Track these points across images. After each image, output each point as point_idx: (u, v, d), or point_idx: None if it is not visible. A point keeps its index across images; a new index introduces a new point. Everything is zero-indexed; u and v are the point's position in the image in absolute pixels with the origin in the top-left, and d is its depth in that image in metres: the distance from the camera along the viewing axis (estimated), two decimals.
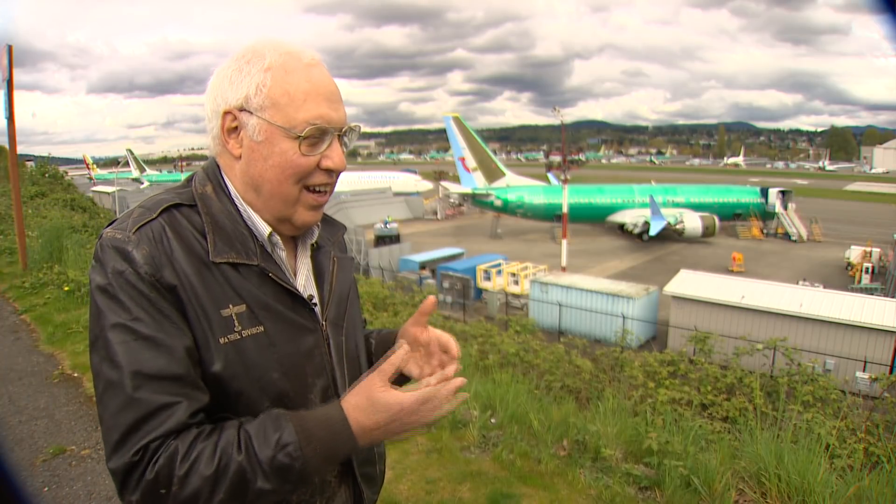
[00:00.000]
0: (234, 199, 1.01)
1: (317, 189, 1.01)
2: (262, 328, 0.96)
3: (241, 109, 0.96)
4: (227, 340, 0.93)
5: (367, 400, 0.91)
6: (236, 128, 0.97)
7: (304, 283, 1.08)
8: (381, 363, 0.94)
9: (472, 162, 35.96)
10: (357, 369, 1.13)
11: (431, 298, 1.17)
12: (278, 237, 1.02)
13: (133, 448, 0.84)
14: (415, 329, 1.15)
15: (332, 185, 1.03)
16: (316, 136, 0.96)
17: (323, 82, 0.98)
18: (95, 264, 0.92)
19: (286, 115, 0.94)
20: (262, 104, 0.94)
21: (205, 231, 0.96)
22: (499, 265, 20.60)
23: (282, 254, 1.04)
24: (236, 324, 0.94)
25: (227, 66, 0.98)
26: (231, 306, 0.94)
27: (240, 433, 0.88)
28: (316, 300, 1.07)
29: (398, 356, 0.95)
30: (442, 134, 53.71)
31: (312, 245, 1.13)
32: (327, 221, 1.22)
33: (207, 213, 0.98)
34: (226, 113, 0.97)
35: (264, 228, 1.00)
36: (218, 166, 1.04)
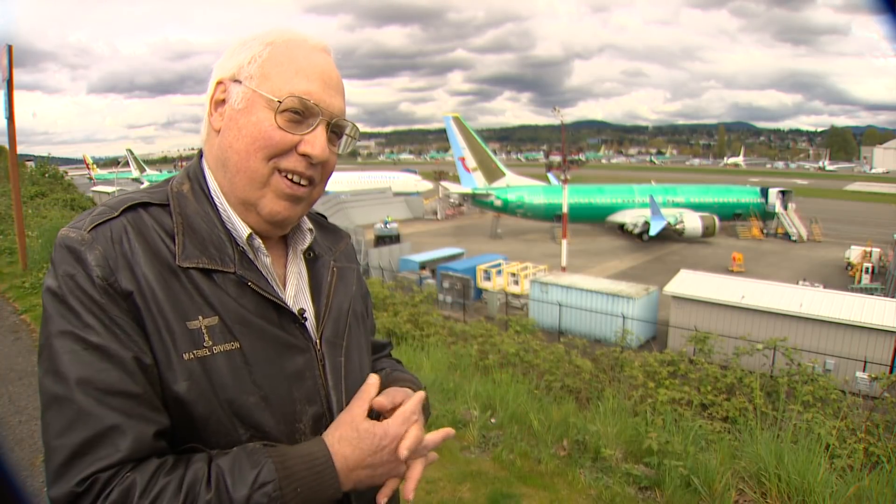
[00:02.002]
0: (214, 197, 0.92)
1: (290, 176, 0.89)
2: (237, 344, 0.85)
3: (233, 80, 0.89)
4: (192, 356, 0.82)
5: (353, 430, 0.87)
6: (224, 100, 0.90)
7: (295, 294, 0.97)
8: (358, 394, 0.93)
9: (472, 162, 35.94)
10: None
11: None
12: (260, 241, 0.91)
13: (78, 476, 0.73)
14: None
15: (312, 178, 0.91)
16: (298, 112, 0.87)
17: (322, 66, 0.90)
18: (50, 266, 0.83)
19: (273, 84, 0.86)
20: (252, 73, 0.87)
21: (174, 233, 0.86)
22: (499, 265, 20.58)
23: (266, 260, 0.92)
24: (206, 338, 0.83)
25: (234, 42, 0.93)
26: (201, 318, 0.83)
27: (210, 468, 0.78)
28: (309, 314, 0.96)
29: (372, 384, 0.94)
30: (442, 134, 53.70)
31: (308, 254, 1.02)
32: (327, 229, 1.12)
33: (180, 213, 0.88)
34: (218, 83, 0.91)
35: (243, 230, 0.90)
36: (201, 165, 0.95)
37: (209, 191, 0.92)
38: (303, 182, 0.90)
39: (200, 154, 0.97)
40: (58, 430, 0.75)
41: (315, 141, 0.88)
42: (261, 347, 0.87)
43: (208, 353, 0.83)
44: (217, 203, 0.91)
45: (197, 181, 0.93)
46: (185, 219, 0.88)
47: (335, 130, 0.93)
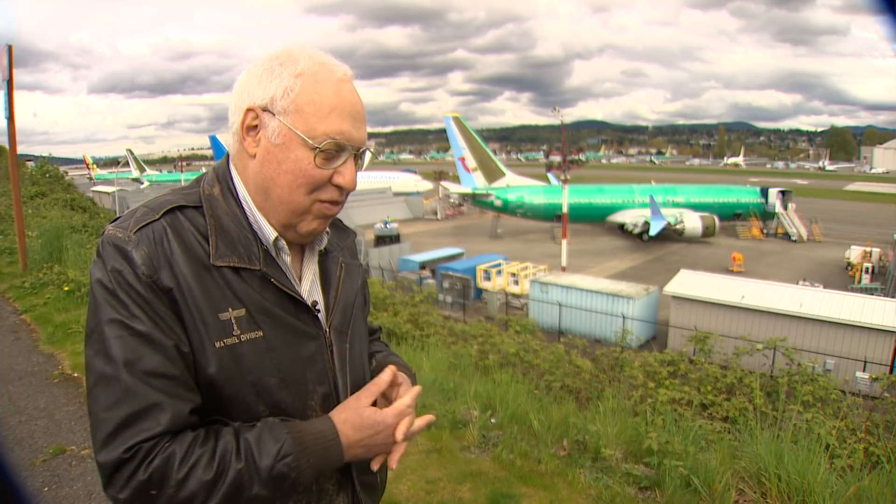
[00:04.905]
0: (242, 201, 1.00)
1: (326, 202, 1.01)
2: (261, 333, 0.96)
3: (265, 109, 0.95)
4: (222, 344, 0.93)
5: (357, 415, 1.01)
6: (256, 126, 0.97)
7: (309, 288, 1.08)
8: (369, 385, 1.06)
9: (472, 162, 35.93)
10: (361, 377, 1.13)
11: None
12: (284, 242, 1.02)
13: (124, 445, 0.84)
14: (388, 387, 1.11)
15: (342, 201, 1.03)
16: (332, 151, 0.96)
17: (350, 99, 0.98)
18: (97, 259, 0.93)
19: (308, 123, 0.94)
20: (286, 108, 0.94)
21: (208, 234, 0.96)
22: (499, 265, 20.59)
23: (287, 258, 1.03)
24: (235, 328, 0.94)
25: (259, 65, 0.98)
26: (230, 310, 0.94)
27: (239, 441, 0.90)
28: (320, 306, 1.07)
29: (384, 380, 1.07)
30: (442, 134, 53.72)
31: (320, 251, 1.12)
32: (337, 227, 1.21)
33: (212, 215, 0.98)
34: (248, 110, 0.96)
35: (270, 233, 1.00)
36: (229, 168, 1.03)
37: (237, 193, 1.01)
38: (337, 202, 1.03)
39: (228, 156, 1.06)
40: (106, 405, 0.87)
41: (346, 172, 0.99)
42: (280, 335, 0.98)
43: (237, 341, 0.94)
44: (244, 206, 1.01)
45: (226, 183, 1.02)
46: (216, 220, 0.98)
47: (358, 156, 1.03)
